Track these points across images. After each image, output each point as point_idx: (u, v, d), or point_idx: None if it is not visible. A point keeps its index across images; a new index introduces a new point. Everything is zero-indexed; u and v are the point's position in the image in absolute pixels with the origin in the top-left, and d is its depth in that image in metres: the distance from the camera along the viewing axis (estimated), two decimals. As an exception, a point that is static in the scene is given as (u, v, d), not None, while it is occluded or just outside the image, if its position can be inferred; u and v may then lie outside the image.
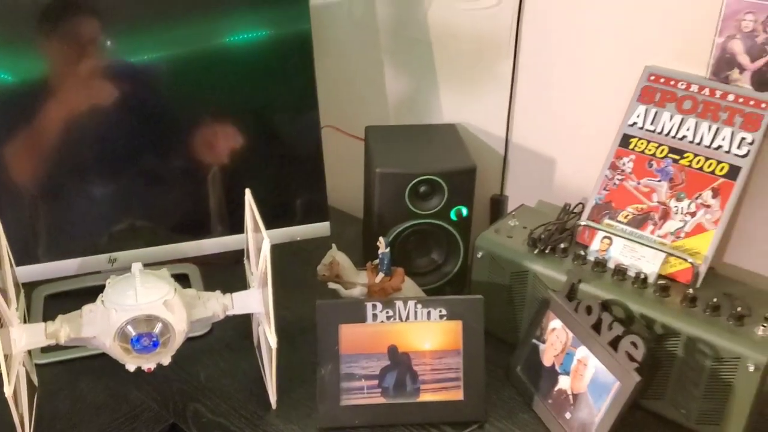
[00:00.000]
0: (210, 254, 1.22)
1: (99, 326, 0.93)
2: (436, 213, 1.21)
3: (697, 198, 1.04)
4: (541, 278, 1.08)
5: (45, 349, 1.10)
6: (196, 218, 1.20)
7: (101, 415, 1.02)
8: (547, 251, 1.09)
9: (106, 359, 1.06)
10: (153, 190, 1.16)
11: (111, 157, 1.12)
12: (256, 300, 1.00)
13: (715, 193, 1.03)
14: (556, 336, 1.03)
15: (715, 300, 0.97)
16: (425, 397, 1.02)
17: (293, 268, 1.29)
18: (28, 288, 1.23)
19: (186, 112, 1.16)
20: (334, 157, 1.47)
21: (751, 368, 0.92)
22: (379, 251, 1.13)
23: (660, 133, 1.08)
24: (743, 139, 1.02)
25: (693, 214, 1.04)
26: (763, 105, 1.02)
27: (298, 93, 1.20)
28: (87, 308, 0.95)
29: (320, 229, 1.24)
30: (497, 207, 1.34)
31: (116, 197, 1.14)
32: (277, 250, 1.22)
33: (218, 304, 0.99)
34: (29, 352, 1.03)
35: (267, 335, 0.96)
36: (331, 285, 1.15)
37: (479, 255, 1.15)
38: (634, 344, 0.92)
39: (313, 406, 1.01)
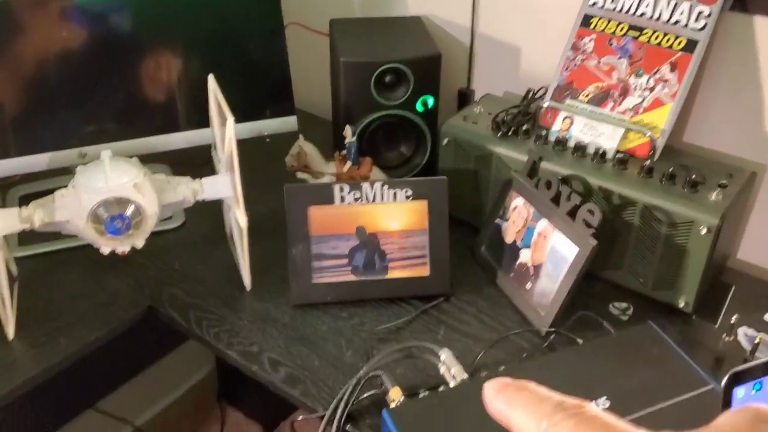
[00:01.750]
0: (182, 152, 1.23)
1: (72, 209, 0.95)
2: (403, 104, 1.23)
3: (655, 73, 1.06)
4: (505, 160, 1.11)
5: (22, 242, 1.12)
6: (165, 114, 1.21)
7: (79, 302, 1.05)
8: (510, 134, 1.12)
9: (82, 252, 1.09)
10: (121, 88, 1.17)
11: (79, 57, 1.12)
12: (224, 184, 1.02)
13: (673, 67, 1.05)
14: (517, 213, 1.07)
15: (671, 170, 1.01)
16: (393, 274, 1.05)
17: (264, 166, 1.30)
18: (3, 190, 1.25)
19: (151, 13, 1.15)
20: (301, 56, 1.47)
21: (704, 231, 0.95)
22: (346, 141, 1.15)
23: (620, 11, 1.09)
24: (701, 12, 1.04)
25: (651, 89, 1.06)
26: (720, -22, 1.03)
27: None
28: (59, 193, 0.96)
29: (288, 123, 1.26)
30: (464, 100, 1.36)
31: (85, 96, 1.14)
32: (247, 148, 1.24)
33: (188, 189, 1.01)
34: (7, 243, 1.06)
35: (237, 216, 0.98)
36: (300, 175, 1.17)
37: (445, 142, 1.17)
38: (590, 212, 0.96)
39: (286, 287, 1.05)
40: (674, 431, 0.26)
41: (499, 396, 0.29)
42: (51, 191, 1.23)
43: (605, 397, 0.78)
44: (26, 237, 1.04)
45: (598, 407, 0.27)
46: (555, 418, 0.27)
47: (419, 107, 1.23)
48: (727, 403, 0.38)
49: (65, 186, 0.98)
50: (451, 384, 0.87)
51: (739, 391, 0.38)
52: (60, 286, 1.08)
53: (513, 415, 0.28)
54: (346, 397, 0.88)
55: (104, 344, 1.00)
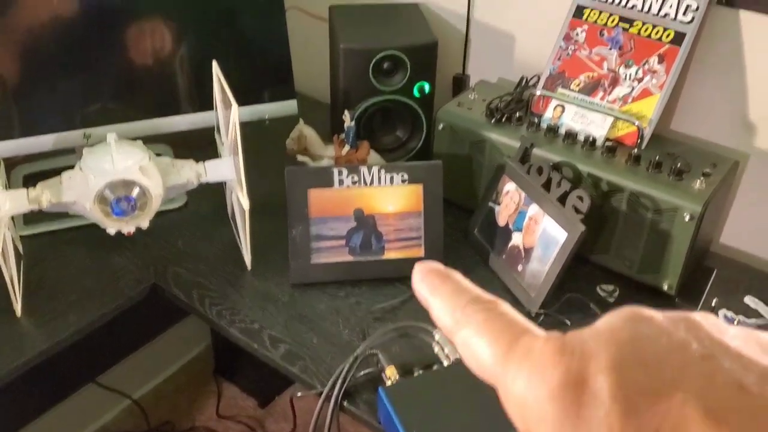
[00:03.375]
0: (185, 134, 1.26)
1: (79, 191, 0.98)
2: (400, 89, 1.26)
3: (644, 64, 1.09)
4: (498, 146, 1.14)
5: (28, 221, 1.15)
6: (168, 97, 1.23)
7: (85, 278, 1.08)
8: (503, 120, 1.15)
9: (88, 230, 1.12)
10: (125, 70, 1.19)
11: (83, 38, 1.14)
12: (228, 167, 1.05)
13: (661, 59, 1.08)
14: (510, 197, 1.10)
15: (657, 158, 1.05)
16: (389, 255, 1.09)
17: (265, 149, 1.33)
18: (8, 168, 1.27)
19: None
20: (301, 40, 1.49)
21: (687, 217, 1.00)
22: (345, 124, 1.18)
23: (611, 3, 1.12)
24: (689, 6, 1.07)
25: (640, 80, 1.09)
26: (709, -27, 1.06)
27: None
28: (66, 174, 1.00)
29: (288, 107, 1.29)
30: (459, 85, 1.39)
31: (89, 78, 1.17)
32: (248, 130, 1.27)
33: (192, 171, 1.05)
34: (13, 222, 1.09)
35: (240, 198, 1.02)
36: (300, 158, 1.21)
37: (440, 127, 1.20)
38: (580, 198, 1.00)
39: (286, 267, 1.09)
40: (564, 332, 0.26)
41: (424, 281, 0.30)
42: (55, 171, 1.26)
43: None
44: (32, 216, 1.07)
45: (510, 306, 0.28)
46: (467, 310, 0.28)
47: (416, 93, 1.27)
48: None
49: (68, 165, 1.01)
50: (445, 363, 0.92)
51: None
52: (66, 264, 1.11)
53: (432, 301, 0.30)
54: (343, 374, 0.92)
55: (108, 321, 1.04)
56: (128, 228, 1.02)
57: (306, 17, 1.45)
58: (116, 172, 0.97)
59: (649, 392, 0.22)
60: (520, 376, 0.25)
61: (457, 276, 0.30)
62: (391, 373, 0.90)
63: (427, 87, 1.26)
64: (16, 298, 1.01)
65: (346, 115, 1.18)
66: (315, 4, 1.44)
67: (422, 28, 1.29)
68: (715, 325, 0.24)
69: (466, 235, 1.18)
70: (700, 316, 0.25)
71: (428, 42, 1.24)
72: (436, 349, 0.94)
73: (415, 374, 0.90)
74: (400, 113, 1.30)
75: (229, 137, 1.01)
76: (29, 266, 1.09)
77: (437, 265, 0.31)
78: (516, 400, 0.25)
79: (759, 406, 0.21)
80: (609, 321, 0.25)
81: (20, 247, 1.10)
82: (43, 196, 0.98)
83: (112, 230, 1.02)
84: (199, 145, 1.28)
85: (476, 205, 1.19)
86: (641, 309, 0.25)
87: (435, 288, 0.30)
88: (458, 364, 0.89)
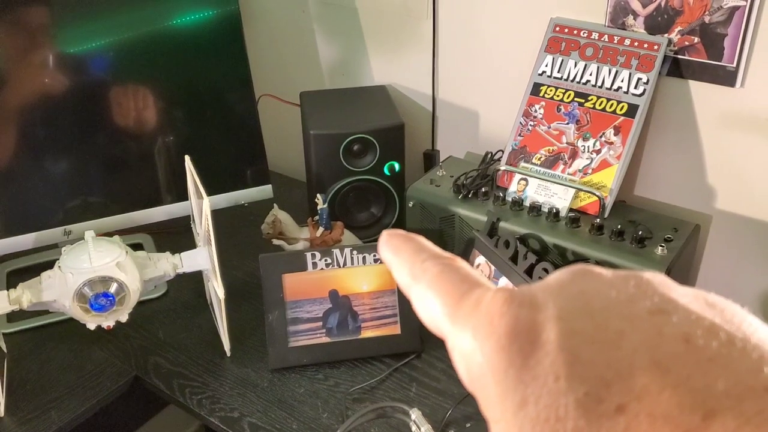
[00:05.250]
0: (162, 223, 1.30)
1: (58, 290, 1.00)
2: (371, 169, 1.30)
3: (601, 137, 1.14)
4: (467, 220, 1.18)
5: (10, 319, 1.18)
6: (146, 190, 1.27)
7: (68, 374, 1.10)
8: (470, 196, 1.19)
9: (69, 324, 1.14)
10: (103, 166, 1.23)
11: (61, 137, 1.19)
12: (203, 257, 1.08)
13: (617, 131, 1.13)
14: (480, 270, 1.13)
15: (619, 227, 1.08)
16: (366, 333, 1.11)
17: (242, 232, 1.37)
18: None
19: (129, 93, 1.23)
20: (276, 124, 1.55)
21: (651, 284, 1.02)
22: (318, 207, 1.22)
23: (566, 79, 1.18)
24: (639, 79, 1.12)
25: (598, 152, 1.14)
26: (656, 47, 1.12)
27: (232, 69, 1.28)
28: (45, 274, 1.02)
29: (263, 192, 1.33)
30: (430, 161, 1.43)
31: (68, 175, 1.21)
32: (226, 215, 1.31)
33: (168, 264, 1.07)
34: (-5, 321, 1.11)
35: (215, 288, 1.04)
36: (276, 241, 1.24)
37: (411, 204, 1.24)
38: (545, 270, 1.03)
39: (265, 352, 1.10)
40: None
41: (388, 243, 0.30)
42: (39, 265, 1.29)
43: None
44: (14, 312, 1.09)
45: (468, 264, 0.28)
46: (425, 265, 0.28)
47: (386, 171, 1.31)
48: None
49: (52, 259, 1.04)
50: (421, 441, 0.93)
51: None
52: (49, 359, 1.13)
53: (393, 261, 0.30)
54: (323, 457, 0.93)
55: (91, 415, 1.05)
56: (108, 322, 1.04)
57: (278, 102, 1.50)
58: (94, 270, 1.00)
59: (595, 341, 0.22)
60: (468, 326, 0.25)
61: (420, 238, 0.30)
62: (368, 456, 0.91)
63: (397, 166, 1.31)
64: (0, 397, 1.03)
65: (319, 198, 1.22)
66: (287, 91, 1.50)
67: (390, 110, 1.34)
68: (664, 282, 0.24)
69: (441, 309, 1.20)
70: (649, 275, 0.25)
71: (395, 124, 1.29)
72: (413, 428, 0.95)
73: (393, 456, 0.91)
74: (373, 191, 1.34)
75: (203, 229, 1.04)
76: (12, 363, 1.11)
77: (400, 231, 0.31)
78: (463, 351, 0.25)
79: (704, 357, 0.21)
80: (559, 276, 0.25)
81: (3, 346, 1.12)
82: (24, 296, 1.00)
83: (92, 326, 1.04)
84: (179, 231, 1.31)
85: (450, 279, 1.22)
86: (591, 265, 0.26)
87: (397, 248, 0.30)
88: (434, 444, 0.91)
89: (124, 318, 1.05)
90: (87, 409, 1.04)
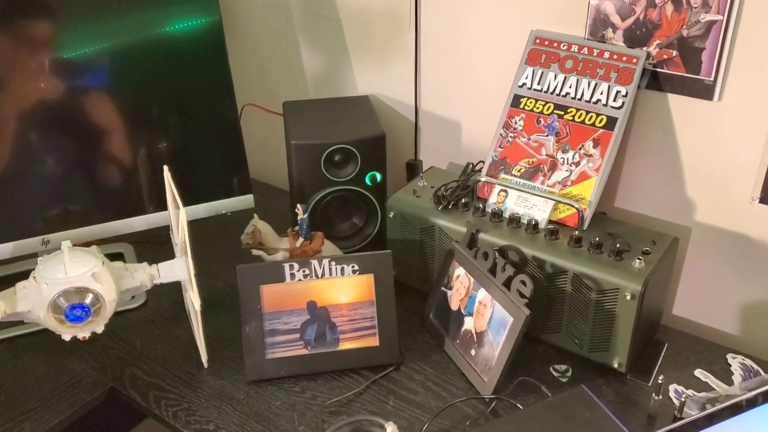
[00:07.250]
0: (145, 232, 1.29)
1: (33, 300, 1.00)
2: (352, 179, 1.30)
3: (580, 149, 1.14)
4: (446, 231, 1.18)
5: (-14, 329, 1.17)
6: (126, 199, 1.27)
7: (43, 385, 1.09)
8: (450, 207, 1.19)
9: (45, 335, 1.14)
10: (82, 175, 1.23)
11: (40, 146, 1.18)
12: (180, 268, 1.07)
13: (596, 143, 1.13)
14: (460, 282, 1.13)
15: (597, 239, 1.08)
16: (344, 345, 1.11)
17: (224, 242, 1.36)
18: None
19: (110, 102, 1.22)
20: (261, 134, 1.55)
21: (628, 297, 1.03)
22: (298, 217, 1.22)
23: (546, 91, 1.18)
24: (618, 92, 1.13)
25: (577, 164, 1.14)
26: (635, 60, 1.12)
27: (214, 79, 1.28)
28: (20, 285, 1.02)
29: (245, 201, 1.32)
30: (412, 171, 1.43)
31: (47, 184, 1.20)
32: (207, 224, 1.30)
33: (145, 274, 1.07)
34: (-30, 332, 1.10)
35: (192, 298, 1.04)
36: (255, 252, 1.23)
37: (391, 215, 1.24)
38: (523, 282, 1.02)
39: (242, 363, 1.10)
40: None
41: None
42: (17, 275, 1.28)
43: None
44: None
45: None
46: None
47: (368, 181, 1.31)
48: None
49: (30, 269, 1.03)
50: (396, 455, 0.92)
51: None
52: (24, 370, 1.12)
53: None
54: (297, 471, 0.92)
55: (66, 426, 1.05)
56: (83, 333, 1.03)
57: (263, 112, 1.50)
58: (69, 281, 0.99)
59: None
60: None
61: None
62: (343, 470, 0.90)
63: (378, 176, 1.31)
64: (-28, 410, 1.02)
65: (299, 208, 1.21)
66: (271, 100, 1.50)
67: (371, 120, 1.34)
68: None
69: (422, 320, 1.20)
70: None
71: (376, 134, 1.28)
72: (389, 441, 0.95)
73: (367, 469, 0.91)
74: (354, 201, 1.34)
75: (180, 239, 1.04)
76: (-13, 374, 1.10)
77: None
78: None
79: None
80: None
81: (-22, 356, 1.11)
82: (-2, 307, 1.00)
83: (67, 337, 1.03)
84: (161, 241, 1.31)
85: (431, 288, 1.22)
86: None
87: None
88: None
89: (100, 329, 1.04)
90: (61, 421, 1.03)
